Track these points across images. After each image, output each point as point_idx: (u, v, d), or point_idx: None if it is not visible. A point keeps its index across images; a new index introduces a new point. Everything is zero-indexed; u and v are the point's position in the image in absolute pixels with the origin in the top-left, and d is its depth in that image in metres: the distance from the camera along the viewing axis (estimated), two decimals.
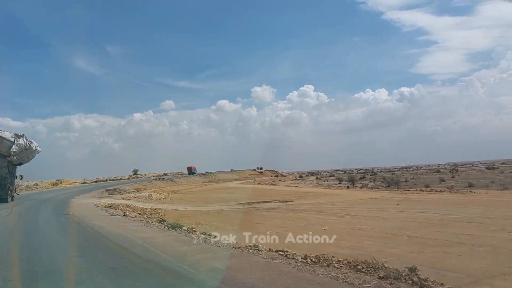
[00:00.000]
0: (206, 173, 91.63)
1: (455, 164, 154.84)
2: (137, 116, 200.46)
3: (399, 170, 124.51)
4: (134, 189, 48.32)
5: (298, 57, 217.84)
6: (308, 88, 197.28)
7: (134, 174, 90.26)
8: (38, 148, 29.85)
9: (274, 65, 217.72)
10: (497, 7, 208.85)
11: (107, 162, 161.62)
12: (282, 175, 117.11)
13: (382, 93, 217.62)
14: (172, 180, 72.84)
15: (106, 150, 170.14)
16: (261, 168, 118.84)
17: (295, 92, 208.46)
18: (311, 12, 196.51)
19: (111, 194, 36.81)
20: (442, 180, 56.07)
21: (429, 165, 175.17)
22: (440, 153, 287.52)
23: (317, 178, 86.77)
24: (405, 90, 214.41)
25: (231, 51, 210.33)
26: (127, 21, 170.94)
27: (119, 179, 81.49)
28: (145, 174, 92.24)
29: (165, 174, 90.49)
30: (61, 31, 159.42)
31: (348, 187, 54.72)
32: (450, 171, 78.90)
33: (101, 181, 77.15)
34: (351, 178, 65.42)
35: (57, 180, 69.20)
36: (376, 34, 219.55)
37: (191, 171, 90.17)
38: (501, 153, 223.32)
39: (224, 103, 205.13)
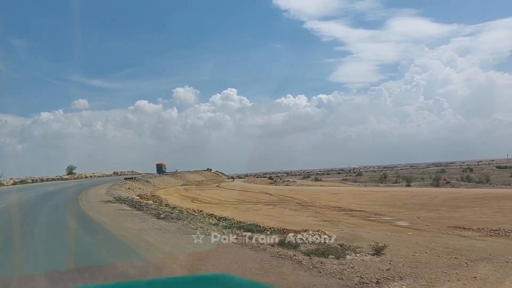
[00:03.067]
0: (176, 171, 72.23)
1: (387, 167, 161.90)
2: (45, 115, 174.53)
3: (339, 173, 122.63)
4: (138, 196, 29.54)
5: (222, 59, 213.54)
6: (232, 92, 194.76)
7: (69, 174, 64.65)
8: None
9: (197, 66, 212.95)
10: (404, 23, 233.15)
11: (9, 164, 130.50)
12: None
13: (302, 99, 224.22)
14: (147, 181, 52.52)
15: (8, 151, 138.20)
16: (211, 170, 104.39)
17: (218, 95, 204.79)
18: (234, 15, 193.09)
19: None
20: None
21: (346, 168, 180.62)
22: (352, 157, 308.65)
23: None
24: (323, 97, 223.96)
25: (150, 49, 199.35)
26: (35, 12, 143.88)
27: (59, 179, 56.43)
28: (81, 175, 67.14)
29: (116, 174, 67.45)
30: None
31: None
32: (464, 170, 76.10)
33: (31, 181, 51.67)
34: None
35: None
36: (297, 42, 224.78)
37: (161, 169, 69.44)
38: (406, 158, 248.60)
39: (143, 103, 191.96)
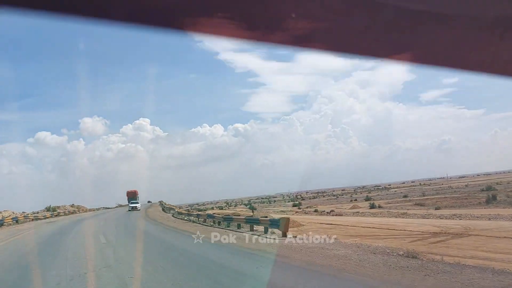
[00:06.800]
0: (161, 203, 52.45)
1: (318, 192, 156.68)
2: None
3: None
4: None
5: (133, 89, 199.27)
6: (145, 122, 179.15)
7: None
8: None
9: (106, 96, 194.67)
10: (312, 57, 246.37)
11: None
12: None
13: (218, 129, 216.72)
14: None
15: None
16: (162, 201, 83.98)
17: (130, 125, 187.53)
18: (145, 44, 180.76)
19: None
20: None
21: (275, 196, 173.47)
22: (268, 184, 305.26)
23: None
24: (239, 126, 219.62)
25: (53, 78, 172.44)
26: None
27: None
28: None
29: (53, 210, 43.48)
30: None
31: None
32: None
33: None
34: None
35: None
36: (211, 72, 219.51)
37: (135, 199, 48.18)
38: (318, 184, 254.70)
39: (45, 135, 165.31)
